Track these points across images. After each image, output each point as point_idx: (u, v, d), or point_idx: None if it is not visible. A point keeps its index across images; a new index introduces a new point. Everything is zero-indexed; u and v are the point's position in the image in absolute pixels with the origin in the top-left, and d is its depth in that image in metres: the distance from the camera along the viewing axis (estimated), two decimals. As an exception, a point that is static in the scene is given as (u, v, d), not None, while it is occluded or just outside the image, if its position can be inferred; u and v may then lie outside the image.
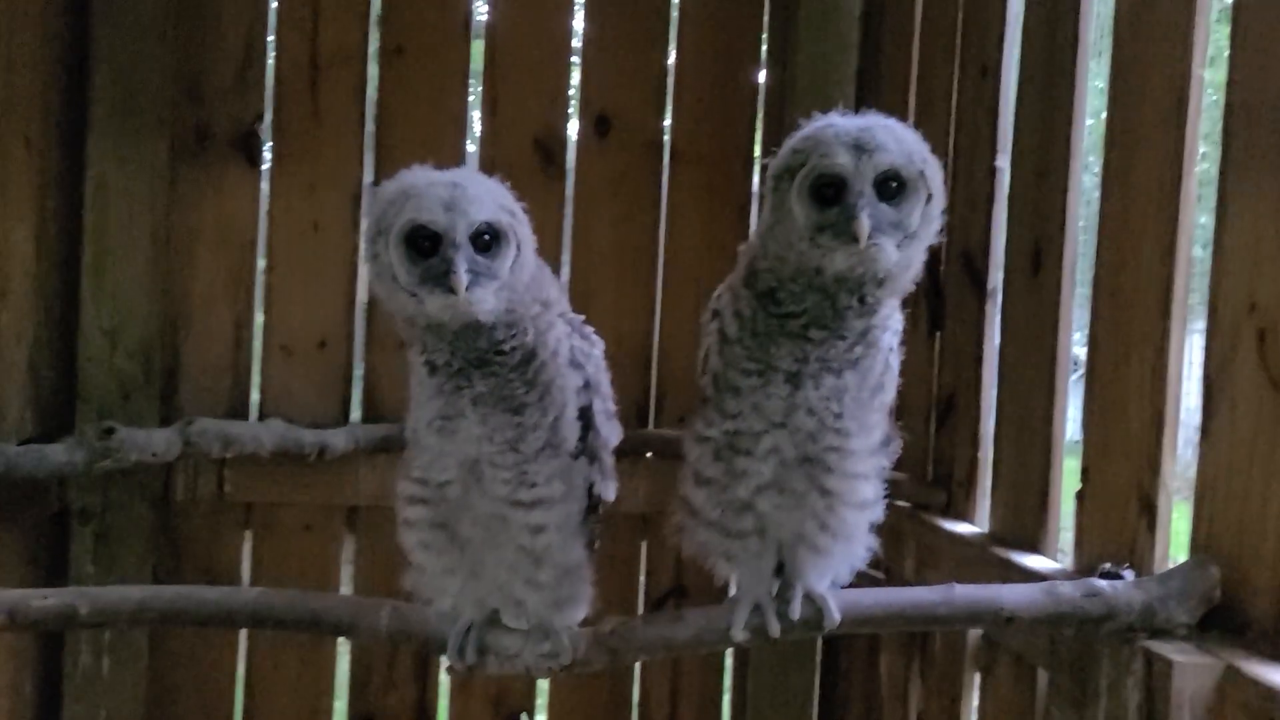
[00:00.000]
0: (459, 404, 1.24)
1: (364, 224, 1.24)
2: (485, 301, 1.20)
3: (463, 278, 1.17)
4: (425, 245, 1.19)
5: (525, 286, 1.25)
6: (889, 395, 1.29)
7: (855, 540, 1.29)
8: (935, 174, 1.22)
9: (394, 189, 1.22)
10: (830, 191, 1.19)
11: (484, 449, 1.24)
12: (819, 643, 2.56)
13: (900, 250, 1.20)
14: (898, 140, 1.20)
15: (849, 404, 1.24)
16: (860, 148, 1.17)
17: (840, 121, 1.21)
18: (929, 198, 1.21)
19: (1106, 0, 1.67)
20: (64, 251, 2.24)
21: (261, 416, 2.40)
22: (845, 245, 1.18)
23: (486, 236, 1.21)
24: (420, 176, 1.22)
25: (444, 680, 2.52)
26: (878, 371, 1.25)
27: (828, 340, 1.22)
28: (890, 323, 1.27)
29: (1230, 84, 1.32)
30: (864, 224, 1.16)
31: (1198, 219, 1.48)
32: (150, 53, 2.29)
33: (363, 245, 1.23)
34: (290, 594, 1.37)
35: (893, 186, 1.20)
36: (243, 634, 2.46)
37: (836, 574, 1.33)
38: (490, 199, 1.22)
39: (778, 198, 1.23)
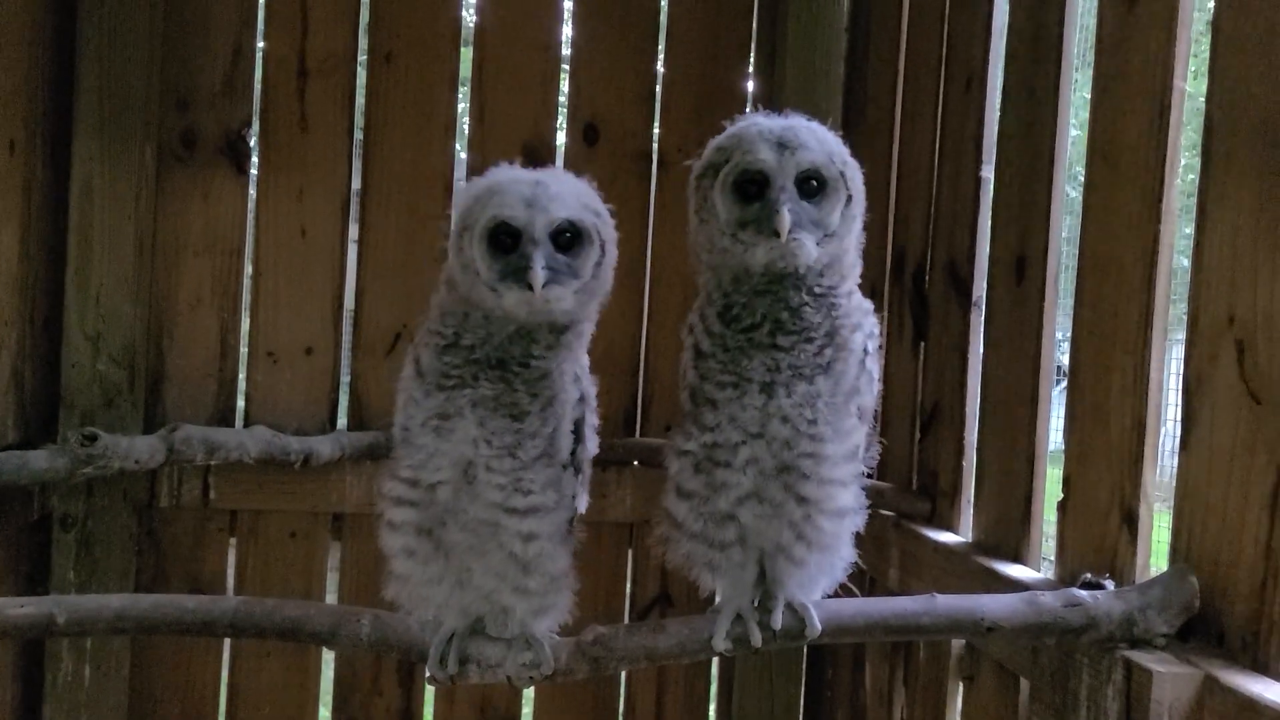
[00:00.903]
0: (458, 403, 1.22)
1: (451, 219, 1.25)
2: (563, 300, 1.20)
3: (540, 274, 1.17)
4: (506, 242, 1.20)
5: (604, 294, 1.26)
6: (866, 400, 1.29)
7: (833, 551, 1.29)
8: (855, 175, 1.26)
9: (482, 185, 1.23)
10: (753, 188, 1.22)
11: (480, 452, 1.23)
12: (804, 652, 2.56)
13: (820, 247, 1.22)
14: (819, 140, 1.23)
15: (822, 409, 1.24)
16: (783, 145, 1.21)
17: (764, 121, 1.24)
18: (849, 199, 1.24)
19: (1090, 12, 1.68)
20: (48, 256, 2.23)
21: (247, 423, 2.40)
22: (767, 240, 1.21)
23: (568, 235, 1.21)
24: (506, 173, 1.23)
25: (429, 687, 2.51)
26: (851, 375, 1.26)
27: (797, 345, 1.23)
28: (862, 323, 1.28)
29: (1210, 97, 1.33)
30: (785, 219, 1.19)
31: (1180, 230, 1.49)
32: (137, 57, 2.28)
33: (450, 239, 1.24)
34: (270, 603, 1.36)
35: (813, 185, 1.23)
36: (226, 642, 2.45)
37: (822, 586, 1.33)
38: (574, 198, 1.22)
39: (700, 196, 1.26)
